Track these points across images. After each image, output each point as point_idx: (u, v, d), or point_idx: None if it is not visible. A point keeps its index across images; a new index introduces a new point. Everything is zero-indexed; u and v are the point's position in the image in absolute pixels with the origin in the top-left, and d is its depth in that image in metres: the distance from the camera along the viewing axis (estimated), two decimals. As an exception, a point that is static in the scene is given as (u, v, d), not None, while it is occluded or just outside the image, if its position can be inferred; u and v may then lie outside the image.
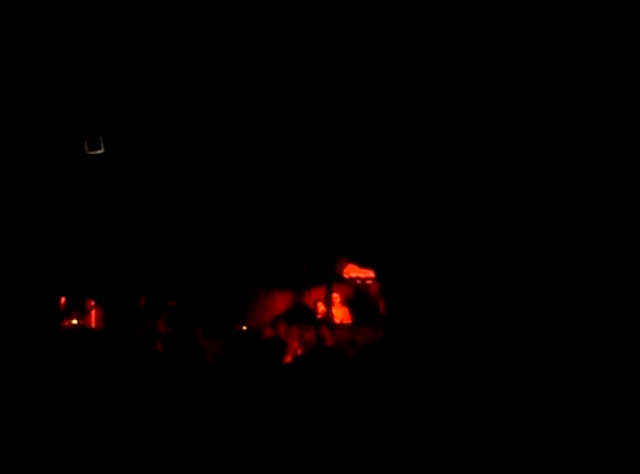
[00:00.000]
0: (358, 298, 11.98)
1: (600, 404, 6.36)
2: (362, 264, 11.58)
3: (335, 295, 11.83)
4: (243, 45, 8.37)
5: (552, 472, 5.85)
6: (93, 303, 11.02)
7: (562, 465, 5.87)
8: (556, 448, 6.09)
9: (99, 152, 8.54)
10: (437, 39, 8.33)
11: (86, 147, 8.45)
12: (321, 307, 11.87)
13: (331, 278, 12.00)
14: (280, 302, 11.86)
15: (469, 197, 9.69)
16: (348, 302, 11.89)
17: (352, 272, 12.13)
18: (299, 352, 10.18)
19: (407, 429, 6.41)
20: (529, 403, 7.05)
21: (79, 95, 8.51)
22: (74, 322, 10.78)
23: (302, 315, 11.52)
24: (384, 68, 8.60)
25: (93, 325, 10.98)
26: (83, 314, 10.99)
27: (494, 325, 8.75)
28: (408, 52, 8.45)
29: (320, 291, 12.12)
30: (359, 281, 12.07)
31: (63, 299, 10.86)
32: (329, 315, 11.67)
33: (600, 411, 6.27)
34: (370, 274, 11.72)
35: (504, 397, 7.33)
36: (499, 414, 6.98)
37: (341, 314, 11.68)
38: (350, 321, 11.58)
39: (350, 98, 9.18)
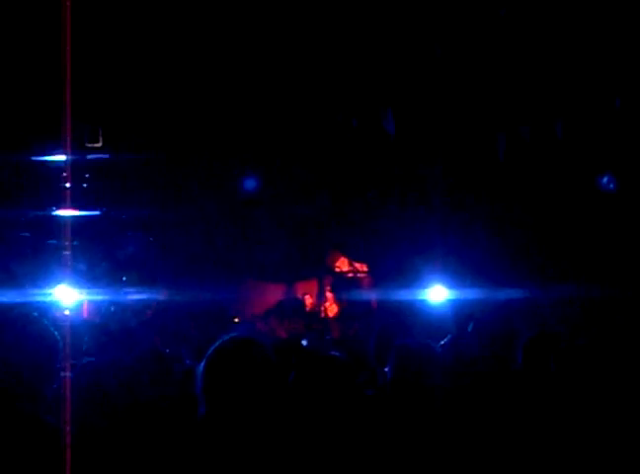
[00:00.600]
0: (350, 292, 12.03)
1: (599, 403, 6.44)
2: (355, 258, 11.66)
3: (328, 291, 11.86)
4: (242, 43, 8.39)
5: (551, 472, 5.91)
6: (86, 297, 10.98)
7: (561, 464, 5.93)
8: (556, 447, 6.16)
9: (97, 145, 8.54)
10: (436, 41, 8.40)
11: (85, 140, 8.45)
12: (309, 300, 11.90)
13: (323, 272, 12.05)
14: (272, 295, 11.88)
15: (462, 195, 9.78)
16: (339, 296, 11.93)
17: (344, 266, 12.19)
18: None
19: (399, 424, 6.43)
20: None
21: (79, 91, 8.48)
22: (66, 314, 10.74)
23: (292, 308, 11.56)
24: (383, 68, 8.66)
25: (85, 317, 10.95)
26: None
27: (485, 319, 8.83)
28: (407, 53, 8.51)
29: (309, 284, 12.15)
30: (351, 275, 12.13)
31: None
32: (321, 309, 11.71)
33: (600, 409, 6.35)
34: (363, 268, 11.81)
35: (497, 392, 7.38)
36: (493, 409, 7.02)
37: (335, 308, 11.73)
38: (341, 315, 11.63)
39: (346, 96, 9.23)
